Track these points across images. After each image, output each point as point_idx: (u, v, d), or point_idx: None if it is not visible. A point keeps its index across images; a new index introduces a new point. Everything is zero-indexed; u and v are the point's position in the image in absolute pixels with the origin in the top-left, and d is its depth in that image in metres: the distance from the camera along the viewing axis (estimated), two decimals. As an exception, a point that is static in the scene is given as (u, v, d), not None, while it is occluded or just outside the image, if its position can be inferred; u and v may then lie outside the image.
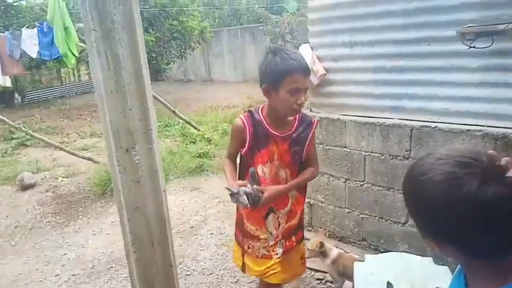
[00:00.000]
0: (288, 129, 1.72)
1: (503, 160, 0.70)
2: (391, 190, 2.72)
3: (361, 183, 2.87)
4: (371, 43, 2.66)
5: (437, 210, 0.70)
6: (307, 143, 1.76)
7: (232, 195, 1.59)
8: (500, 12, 2.02)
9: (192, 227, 3.66)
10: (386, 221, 2.79)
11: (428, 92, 2.47)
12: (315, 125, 1.77)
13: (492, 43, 1.12)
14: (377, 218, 2.83)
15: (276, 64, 1.56)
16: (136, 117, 1.48)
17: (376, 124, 2.69)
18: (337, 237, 3.11)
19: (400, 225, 2.73)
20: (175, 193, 4.48)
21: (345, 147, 2.89)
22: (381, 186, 2.76)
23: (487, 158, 0.70)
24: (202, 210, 4.01)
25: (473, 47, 1.15)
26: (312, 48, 2.94)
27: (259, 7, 12.05)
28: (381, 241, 2.85)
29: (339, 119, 2.89)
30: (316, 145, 3.03)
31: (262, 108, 1.74)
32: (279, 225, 1.84)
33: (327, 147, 3.00)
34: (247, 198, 1.57)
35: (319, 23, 2.92)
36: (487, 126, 2.22)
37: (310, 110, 3.10)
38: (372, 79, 2.70)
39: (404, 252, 2.44)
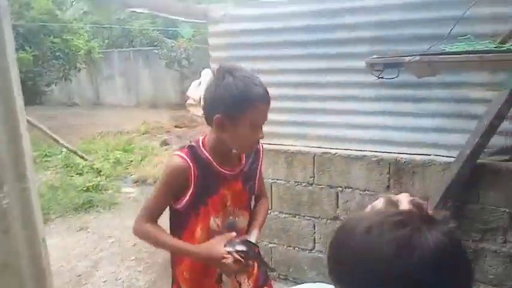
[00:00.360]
0: (238, 164, 1.37)
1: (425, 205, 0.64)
2: (297, 217, 2.72)
3: (269, 211, 2.81)
4: (274, 71, 2.69)
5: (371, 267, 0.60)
6: (257, 173, 1.44)
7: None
8: (388, 47, 2.23)
9: (79, 276, 3.14)
10: (294, 248, 2.78)
11: (328, 120, 2.57)
12: (262, 150, 1.47)
13: (398, 75, 1.16)
14: (285, 246, 2.80)
15: (238, 89, 1.20)
16: (4, 149, 1.16)
17: (281, 151, 2.69)
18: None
19: (307, 251, 2.73)
20: (59, 235, 3.85)
21: (251, 175, 2.83)
22: (287, 213, 2.75)
23: (416, 208, 0.63)
24: (92, 254, 3.50)
25: (382, 77, 1.18)
26: (214, 74, 2.85)
27: (153, 30, 11.73)
28: (290, 270, 2.81)
29: (244, 146, 2.82)
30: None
31: (203, 142, 1.32)
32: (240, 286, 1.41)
33: (233, 175, 2.89)
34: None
35: (221, 48, 2.86)
36: (382, 152, 2.38)
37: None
38: (276, 107, 2.67)
39: (318, 282, 2.43)
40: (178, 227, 1.35)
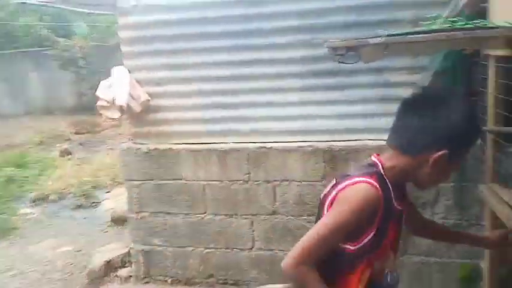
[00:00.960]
0: (405, 199, 1.16)
1: None
2: (234, 217, 2.59)
3: (203, 215, 2.64)
4: (195, 65, 2.50)
5: None
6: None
7: None
8: (314, 36, 2.24)
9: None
10: (232, 250, 2.64)
11: (259, 114, 2.48)
12: None
13: (359, 59, 1.10)
14: (223, 249, 2.65)
15: (470, 125, 1.01)
16: None
17: (213, 150, 2.53)
18: (180, 281, 2.76)
19: (247, 251, 2.62)
20: None
21: (181, 179, 2.61)
22: (224, 214, 2.60)
23: None
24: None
25: (342, 62, 1.11)
26: (129, 71, 2.55)
27: (41, 27, 10.39)
28: (230, 272, 2.67)
29: (170, 148, 2.59)
30: (147, 181, 2.66)
31: (384, 169, 1.05)
32: None
33: (160, 182, 2.64)
34: None
35: (135, 42, 2.57)
36: (316, 141, 2.37)
37: (132, 141, 2.69)
38: (202, 103, 2.54)
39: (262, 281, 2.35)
40: (335, 272, 1.07)
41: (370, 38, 0.99)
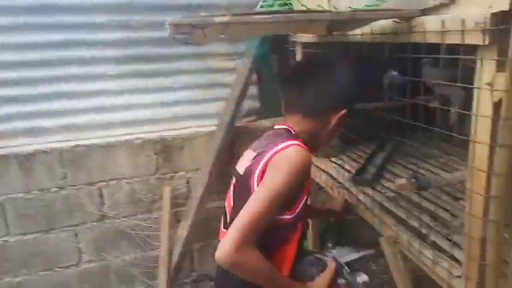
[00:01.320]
0: None
1: None
2: (52, 232, 2.15)
3: (5, 239, 2.08)
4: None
5: None
6: None
7: None
8: (131, 17, 2.01)
9: None
10: (54, 270, 2.21)
11: (71, 106, 2.09)
12: None
13: (195, 41, 1.03)
14: (42, 272, 2.18)
15: (354, 83, 1.13)
16: None
17: (11, 156, 1.99)
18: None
19: (73, 267, 2.24)
20: None
21: (-34, 198, 1.97)
22: (36, 232, 2.12)
23: None
24: None
25: (188, 43, 1.01)
26: None
27: None
28: (53, 298, 2.23)
29: None
30: None
31: (296, 133, 1.10)
32: None
33: None
34: None
35: None
36: (145, 132, 2.19)
37: None
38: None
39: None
40: (271, 246, 0.99)
41: (216, 16, 0.93)
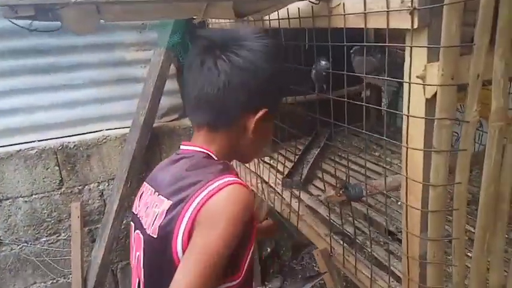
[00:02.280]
0: None
1: None
2: None
3: None
4: None
5: None
6: None
7: None
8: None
9: None
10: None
11: None
12: None
13: (61, 25, 0.78)
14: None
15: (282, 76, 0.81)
16: None
17: None
18: None
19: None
20: None
21: None
22: None
23: None
24: None
25: (35, 30, 0.76)
26: None
27: None
28: None
29: None
30: None
31: (215, 155, 0.78)
32: None
33: None
34: None
35: None
36: (41, 140, 1.84)
37: None
38: None
39: None
40: None
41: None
